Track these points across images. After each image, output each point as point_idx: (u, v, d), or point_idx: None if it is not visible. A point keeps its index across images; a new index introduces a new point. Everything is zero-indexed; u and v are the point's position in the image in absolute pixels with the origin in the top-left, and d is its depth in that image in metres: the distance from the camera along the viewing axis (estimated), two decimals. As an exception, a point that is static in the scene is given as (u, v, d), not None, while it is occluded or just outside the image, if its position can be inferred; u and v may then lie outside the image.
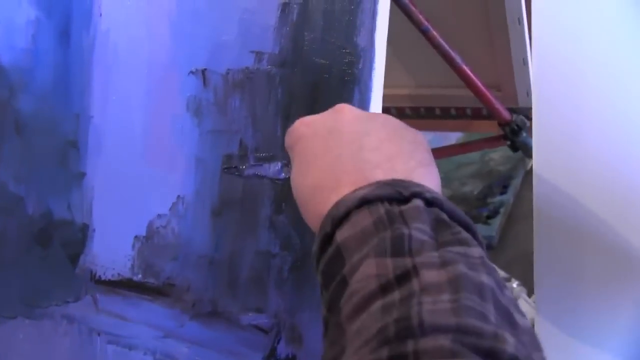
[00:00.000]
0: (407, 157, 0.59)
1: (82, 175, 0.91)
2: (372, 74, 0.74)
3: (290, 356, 0.79)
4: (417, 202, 0.51)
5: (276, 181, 0.79)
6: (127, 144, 0.88)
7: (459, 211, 0.53)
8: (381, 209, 0.51)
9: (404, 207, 0.51)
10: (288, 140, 0.66)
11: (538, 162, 0.80)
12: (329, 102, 0.75)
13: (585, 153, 0.80)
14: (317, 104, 0.77)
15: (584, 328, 0.82)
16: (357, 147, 0.59)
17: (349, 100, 0.75)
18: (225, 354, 0.82)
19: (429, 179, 0.57)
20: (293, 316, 0.79)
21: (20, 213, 0.95)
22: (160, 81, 0.86)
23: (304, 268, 0.79)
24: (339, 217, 0.53)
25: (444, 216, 0.52)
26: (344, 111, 0.64)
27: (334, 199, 0.55)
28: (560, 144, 0.80)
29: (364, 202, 0.52)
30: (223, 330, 0.83)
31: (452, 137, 1.73)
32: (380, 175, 0.56)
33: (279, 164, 0.78)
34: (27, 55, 0.93)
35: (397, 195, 0.52)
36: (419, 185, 0.53)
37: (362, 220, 0.51)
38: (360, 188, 0.54)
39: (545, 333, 0.83)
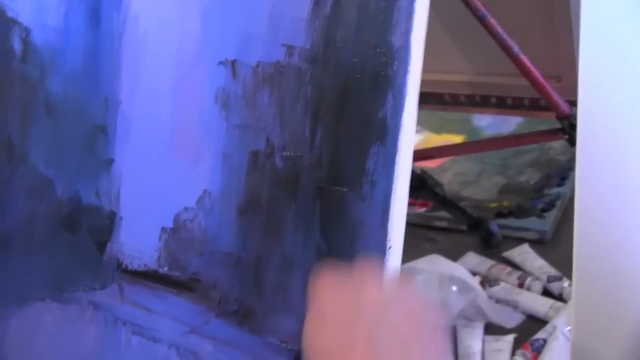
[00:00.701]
0: (423, 344, 0.58)
1: (111, 161, 0.89)
2: (407, 78, 0.68)
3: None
4: None
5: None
6: (155, 132, 0.85)
7: None
8: None
9: None
10: (310, 285, 0.66)
11: (582, 164, 0.76)
12: (360, 105, 0.71)
13: (631, 154, 0.75)
14: (346, 105, 0.72)
15: (622, 333, 0.78)
16: (374, 321, 0.58)
17: (381, 104, 0.70)
18: (251, 355, 0.79)
19: None
20: (319, 324, 0.75)
21: (49, 195, 0.94)
22: (189, 70, 0.82)
23: (331, 275, 0.75)
24: None
25: None
26: (371, 276, 0.63)
27: None
28: (606, 142, 0.75)
29: None
30: (249, 332, 0.80)
31: (512, 122, 1.67)
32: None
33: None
34: (58, 34, 0.91)
35: None
36: None
37: None
38: None
39: (581, 336, 0.80)
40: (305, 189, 0.75)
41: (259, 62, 0.77)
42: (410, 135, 0.70)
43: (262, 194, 0.78)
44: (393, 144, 0.70)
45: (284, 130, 0.76)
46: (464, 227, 1.41)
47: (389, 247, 0.71)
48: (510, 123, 1.66)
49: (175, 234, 0.84)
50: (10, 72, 0.96)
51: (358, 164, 0.71)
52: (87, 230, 0.92)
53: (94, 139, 0.90)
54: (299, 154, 0.75)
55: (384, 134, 0.70)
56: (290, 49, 0.75)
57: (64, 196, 0.93)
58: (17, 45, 0.94)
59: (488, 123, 1.69)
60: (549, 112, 1.21)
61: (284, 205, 0.76)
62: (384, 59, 0.69)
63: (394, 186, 0.70)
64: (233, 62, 0.79)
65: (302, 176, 0.75)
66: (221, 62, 0.79)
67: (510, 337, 1.14)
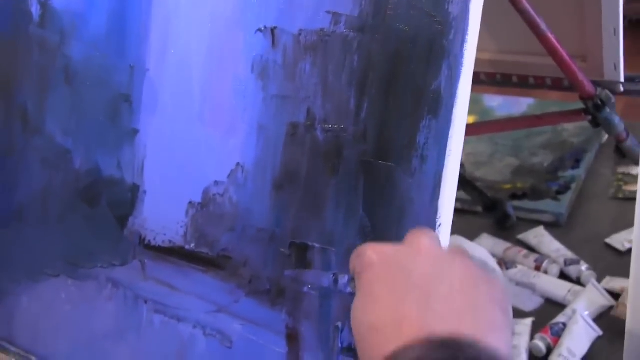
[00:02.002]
0: (477, 315, 0.56)
1: (135, 132, 0.85)
2: (464, 48, 0.65)
3: (352, 346, 0.72)
4: None
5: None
6: (184, 102, 0.81)
7: None
8: None
9: None
10: (356, 263, 0.63)
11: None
12: (411, 76, 0.68)
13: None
14: (396, 76, 0.68)
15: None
16: (425, 294, 0.56)
17: (435, 75, 0.67)
18: (283, 336, 0.76)
19: (496, 344, 0.54)
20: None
21: (66, 167, 0.91)
22: (224, 37, 0.79)
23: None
24: None
25: None
26: (421, 248, 0.61)
27: (390, 346, 0.53)
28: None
29: None
30: (282, 312, 0.77)
31: (523, 103, 1.64)
32: (444, 329, 0.53)
33: (347, 277, 0.70)
34: (81, -3, 0.87)
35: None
36: (478, 349, 0.52)
37: None
38: (419, 342, 0.52)
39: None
40: (348, 164, 0.72)
41: (301, 29, 0.74)
42: (464, 109, 0.67)
43: (300, 168, 0.74)
44: (446, 117, 0.67)
45: (327, 102, 0.72)
46: (477, 209, 1.38)
47: (439, 225, 0.68)
48: (521, 104, 1.63)
49: (204, 208, 0.81)
50: (27, 38, 0.92)
51: (408, 137, 0.68)
52: (107, 204, 0.88)
53: (117, 109, 0.86)
54: (342, 126, 0.72)
55: (437, 107, 0.67)
56: (336, 16, 0.71)
57: (82, 167, 0.90)
58: (34, 9, 0.91)
59: (499, 104, 1.66)
60: (572, 91, 1.19)
61: (324, 180, 0.73)
62: (439, 28, 0.66)
63: (446, 161, 0.67)
64: (273, 30, 0.75)
65: (345, 150, 0.72)
66: (260, 29, 0.76)
67: (528, 321, 1.12)
